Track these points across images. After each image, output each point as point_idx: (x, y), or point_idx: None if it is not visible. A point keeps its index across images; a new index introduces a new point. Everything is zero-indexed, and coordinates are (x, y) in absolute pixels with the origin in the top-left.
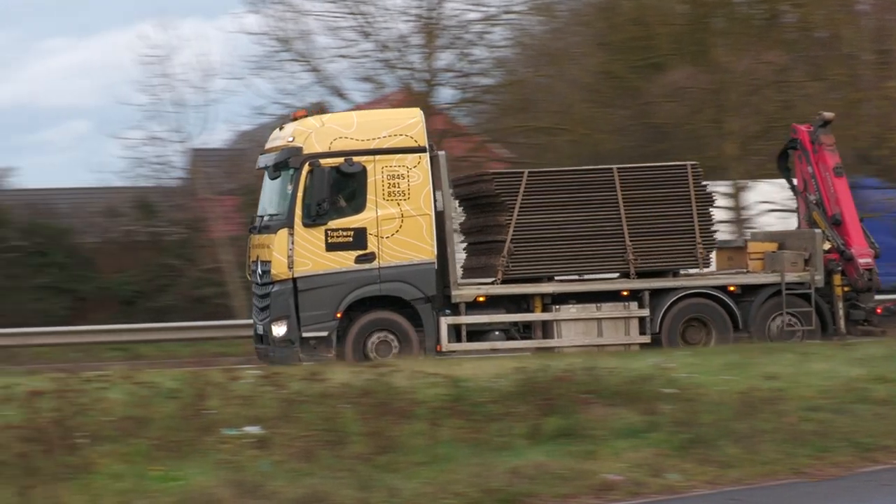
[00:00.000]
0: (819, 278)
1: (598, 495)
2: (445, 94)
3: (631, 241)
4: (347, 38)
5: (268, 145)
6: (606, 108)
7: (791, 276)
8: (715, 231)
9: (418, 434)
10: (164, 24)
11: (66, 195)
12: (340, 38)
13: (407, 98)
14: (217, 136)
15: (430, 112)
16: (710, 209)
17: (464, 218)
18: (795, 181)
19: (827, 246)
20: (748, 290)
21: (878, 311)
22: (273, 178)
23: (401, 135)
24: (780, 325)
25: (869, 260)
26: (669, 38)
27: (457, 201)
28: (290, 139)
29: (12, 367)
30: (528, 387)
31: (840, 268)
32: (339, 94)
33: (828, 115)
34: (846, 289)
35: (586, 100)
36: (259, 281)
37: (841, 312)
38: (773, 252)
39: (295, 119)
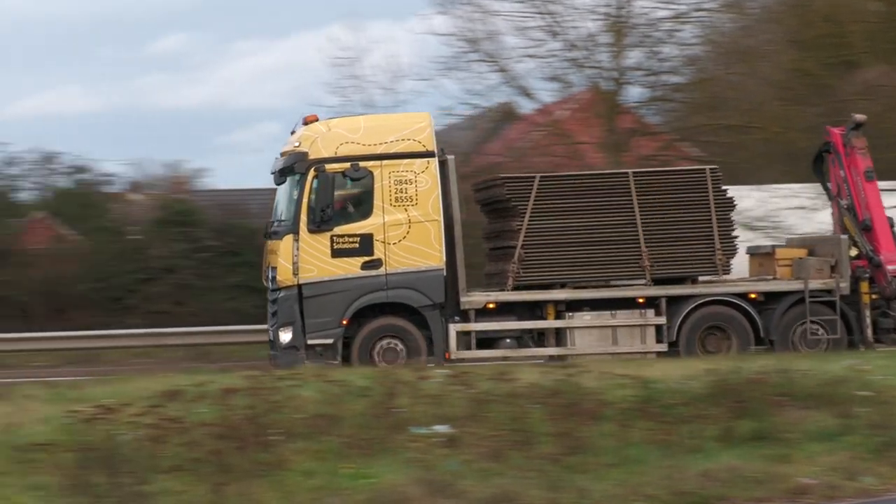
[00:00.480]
0: (844, 285)
1: (793, 499)
2: (634, 93)
3: (647, 247)
4: (535, 38)
5: (282, 150)
6: (799, 106)
7: (815, 284)
8: (735, 237)
9: (608, 435)
10: (353, 26)
11: (258, 195)
12: (528, 38)
13: (595, 97)
14: None
15: (619, 110)
16: (731, 215)
17: (486, 223)
18: (830, 185)
19: (854, 252)
20: (771, 297)
21: None
22: (279, 184)
23: (409, 139)
24: (804, 333)
25: None
26: (863, 36)
27: (479, 206)
28: (297, 144)
29: (206, 365)
30: (720, 388)
31: (868, 275)
32: (527, 94)
33: (859, 117)
34: (874, 296)
35: (778, 98)
36: (270, 286)
37: (868, 321)
38: (801, 258)
39: (306, 123)
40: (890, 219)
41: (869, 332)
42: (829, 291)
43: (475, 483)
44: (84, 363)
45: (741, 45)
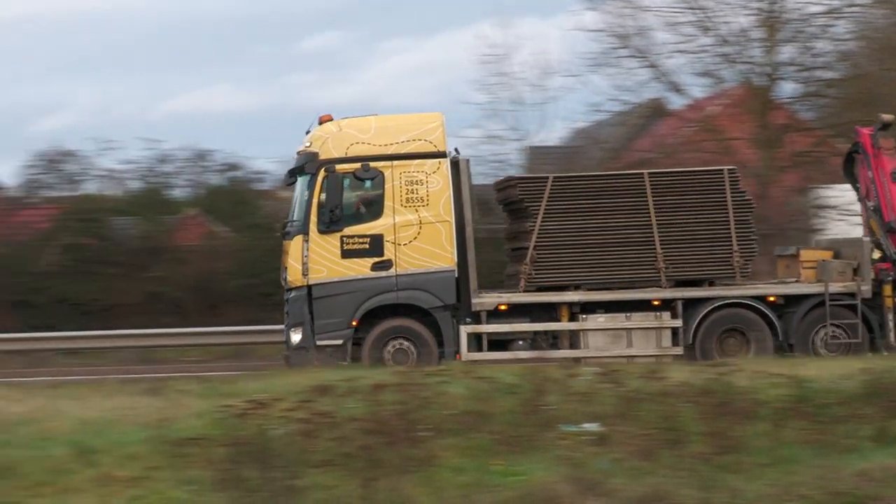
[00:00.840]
0: (866, 288)
1: None
2: (787, 89)
3: (662, 248)
4: (686, 34)
5: (297, 150)
6: None
7: (836, 287)
8: (754, 239)
9: (761, 435)
10: (501, 23)
11: None
12: (679, 34)
13: (747, 93)
14: (554, 134)
15: (772, 106)
16: (750, 216)
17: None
18: (860, 187)
19: (877, 255)
20: (791, 300)
21: None
22: (288, 184)
23: (420, 140)
24: (825, 337)
25: None
26: None
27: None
28: (308, 144)
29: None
30: (875, 388)
31: (892, 277)
32: (677, 89)
33: (887, 117)
34: None
35: None
36: (284, 286)
37: (891, 324)
38: (824, 261)
39: (321, 123)
40: None
41: (892, 335)
42: (850, 294)
43: (626, 482)
44: (236, 358)
45: (895, 41)
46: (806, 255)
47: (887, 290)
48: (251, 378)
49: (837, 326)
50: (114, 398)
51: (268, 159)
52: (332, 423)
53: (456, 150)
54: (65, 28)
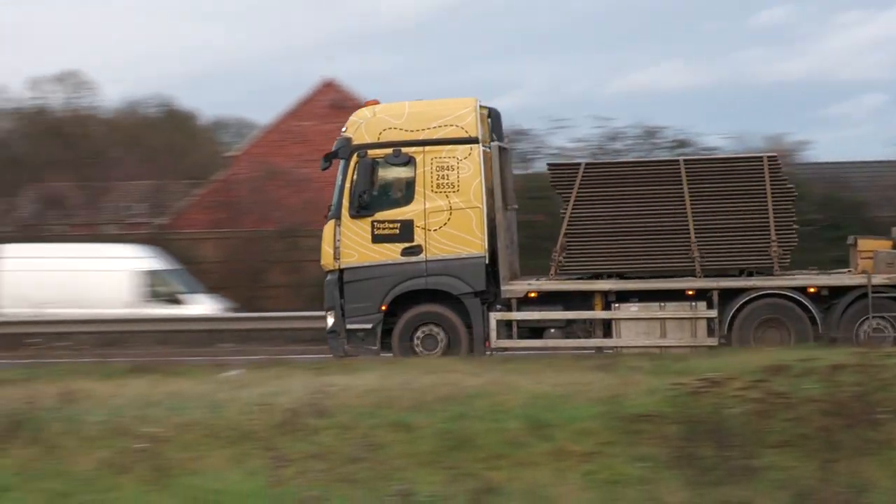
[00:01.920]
0: None
1: None
2: None
3: (697, 238)
4: None
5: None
6: None
7: (879, 279)
8: (794, 229)
9: None
10: None
11: (861, 169)
12: None
13: None
14: None
15: None
16: (791, 206)
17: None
18: None
19: None
20: (835, 291)
21: None
22: (323, 169)
23: (451, 125)
24: (867, 330)
25: None
26: None
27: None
28: (344, 129)
29: None
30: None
31: None
32: None
33: None
34: None
35: None
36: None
37: None
38: (879, 251)
39: (364, 107)
40: None
41: None
42: (894, 286)
43: None
44: None
45: None
46: (863, 244)
47: None
48: (702, 356)
49: (883, 319)
50: (566, 374)
51: (719, 135)
52: (788, 404)
53: (493, 136)
54: (521, 8)
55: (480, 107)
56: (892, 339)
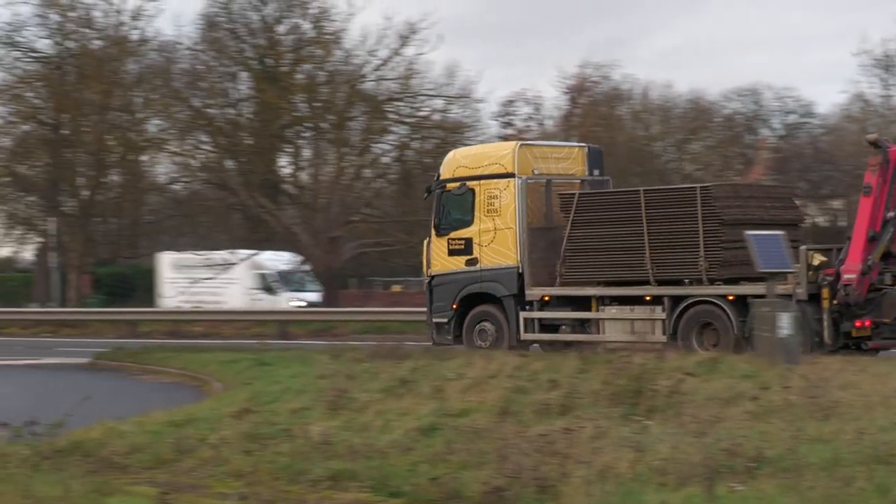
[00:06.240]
0: (801, 291)
1: None
2: None
3: (650, 252)
4: None
5: None
6: None
7: (778, 288)
8: (720, 246)
9: None
10: None
11: None
12: None
13: None
14: None
15: None
16: (718, 226)
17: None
18: None
19: (816, 261)
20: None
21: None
22: (425, 199)
23: (497, 164)
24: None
25: (853, 276)
26: None
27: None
28: (441, 167)
29: None
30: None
31: (827, 282)
32: None
33: (869, 136)
34: (836, 302)
35: None
36: None
37: (826, 324)
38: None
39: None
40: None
41: (827, 334)
42: (790, 297)
43: None
44: None
45: None
46: (807, 255)
47: (825, 293)
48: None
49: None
50: None
51: None
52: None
53: (534, 171)
54: None
55: (578, 146)
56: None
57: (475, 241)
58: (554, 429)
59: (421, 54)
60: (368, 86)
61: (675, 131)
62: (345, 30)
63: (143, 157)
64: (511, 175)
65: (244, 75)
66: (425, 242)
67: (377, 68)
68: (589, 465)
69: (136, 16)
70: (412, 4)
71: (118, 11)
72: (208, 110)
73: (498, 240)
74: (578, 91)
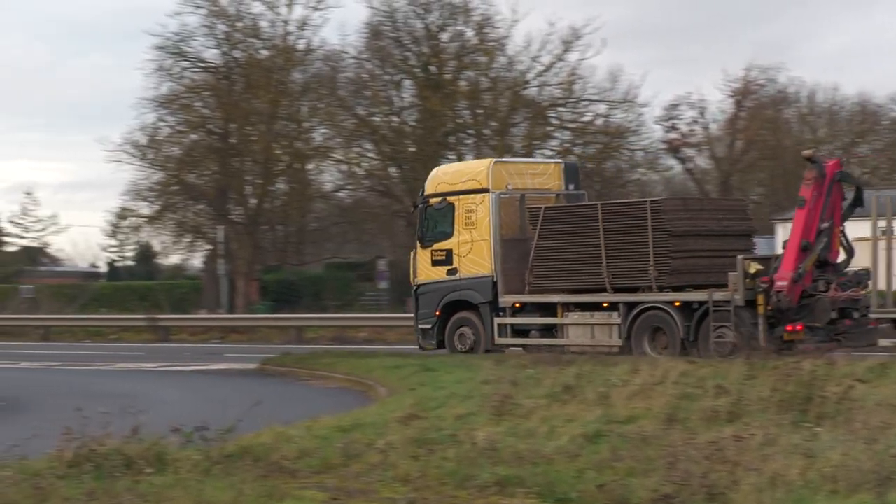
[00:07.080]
0: (738, 297)
1: None
2: None
3: (606, 262)
4: None
5: None
6: None
7: (718, 295)
8: (668, 256)
9: None
10: None
11: None
12: None
13: None
14: None
15: None
16: (667, 238)
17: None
18: None
19: (753, 269)
20: (697, 305)
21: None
22: (411, 213)
23: (473, 179)
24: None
25: (785, 283)
26: None
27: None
28: (426, 183)
29: None
30: None
31: (762, 289)
32: None
33: (805, 153)
34: (769, 308)
35: None
36: None
37: (761, 328)
38: (731, 273)
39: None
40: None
41: (762, 337)
42: (728, 302)
43: None
44: None
45: None
46: (743, 264)
47: (760, 299)
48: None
49: (725, 328)
50: None
51: None
52: None
53: (508, 186)
54: None
55: (555, 162)
56: (731, 346)
57: (455, 252)
58: (723, 436)
59: (584, 59)
60: (531, 92)
61: (842, 134)
62: (508, 36)
63: (310, 166)
64: (486, 190)
65: (408, 83)
66: (411, 254)
67: (540, 74)
68: (759, 472)
69: (302, 26)
70: (576, 8)
71: (285, 22)
72: (373, 118)
73: (475, 251)
74: (744, 94)
